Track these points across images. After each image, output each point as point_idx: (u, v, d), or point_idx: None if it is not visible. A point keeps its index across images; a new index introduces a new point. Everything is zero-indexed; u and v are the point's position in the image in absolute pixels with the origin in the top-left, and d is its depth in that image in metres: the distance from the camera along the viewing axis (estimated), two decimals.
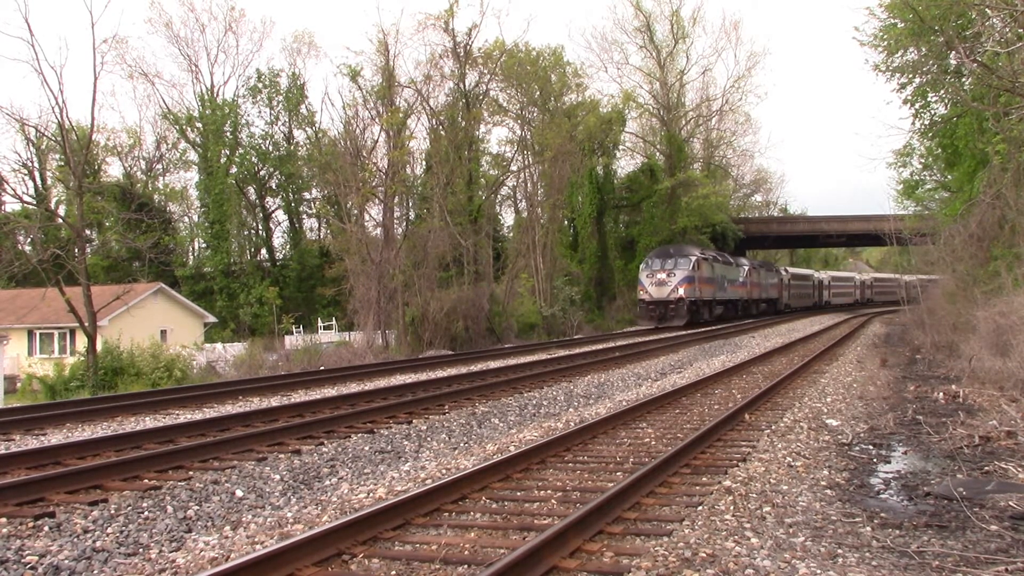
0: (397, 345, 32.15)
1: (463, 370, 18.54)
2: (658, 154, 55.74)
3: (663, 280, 36.79)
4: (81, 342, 29.65)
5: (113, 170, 56.74)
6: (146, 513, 6.64)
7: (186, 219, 59.11)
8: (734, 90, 58.34)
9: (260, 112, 54.66)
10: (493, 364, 20.20)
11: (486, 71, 44.72)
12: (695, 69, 57.54)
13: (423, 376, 17.40)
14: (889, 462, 8.18)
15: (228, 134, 52.62)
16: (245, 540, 5.95)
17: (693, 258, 37.39)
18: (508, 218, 54.86)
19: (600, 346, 26.07)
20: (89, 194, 33.17)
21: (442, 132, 42.71)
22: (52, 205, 48.29)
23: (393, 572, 5.17)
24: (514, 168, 47.57)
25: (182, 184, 59.14)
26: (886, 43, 21.43)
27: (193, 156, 55.77)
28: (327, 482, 7.85)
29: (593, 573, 5.08)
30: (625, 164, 56.97)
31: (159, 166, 59.27)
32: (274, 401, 13.65)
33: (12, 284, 41.07)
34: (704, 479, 7.42)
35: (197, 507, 6.84)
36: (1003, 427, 9.19)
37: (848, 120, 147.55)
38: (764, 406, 11.74)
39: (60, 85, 37.21)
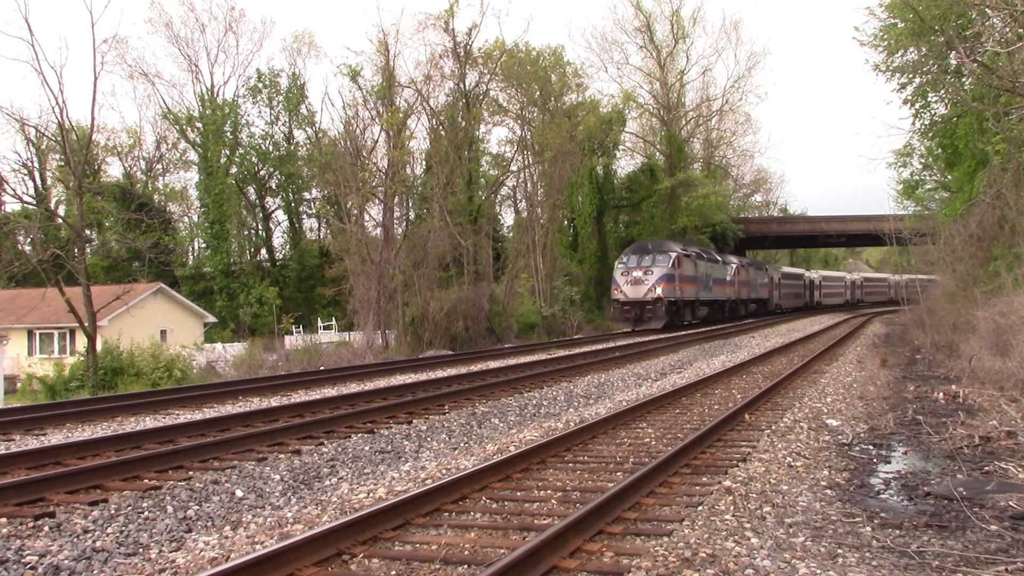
0: (397, 345, 32.14)
1: (463, 370, 18.54)
2: (658, 154, 55.76)
3: (639, 278, 33.86)
4: (81, 342, 29.64)
5: (113, 170, 56.81)
6: (146, 513, 6.64)
7: (186, 219, 59.15)
8: (734, 90, 58.47)
9: (260, 112, 54.71)
10: (493, 364, 20.20)
11: (486, 71, 44.72)
12: (695, 69, 57.67)
13: (423, 376, 17.40)
14: (889, 462, 8.18)
15: (228, 134, 52.60)
16: (245, 540, 5.95)
17: (673, 254, 34.60)
18: (508, 218, 54.91)
19: (600, 346, 26.07)
20: (89, 194, 33.16)
21: (442, 132, 42.70)
22: (52, 205, 48.29)
23: (393, 572, 5.17)
24: (514, 168, 47.59)
25: (182, 184, 59.21)
26: (886, 43, 21.44)
27: (193, 156, 55.79)
28: (327, 482, 7.84)
29: (593, 573, 5.08)
30: (625, 164, 57.06)
31: (159, 166, 59.30)
32: (274, 401, 13.65)
33: (12, 284, 41.06)
34: (704, 479, 7.42)
35: (197, 507, 6.84)
36: (1003, 427, 9.19)
37: (848, 120, 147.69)
38: (764, 406, 11.74)
39: (60, 85, 37.19)
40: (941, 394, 12.43)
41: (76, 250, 29.76)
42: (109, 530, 6.18)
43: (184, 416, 12.05)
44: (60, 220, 37.20)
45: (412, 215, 45.88)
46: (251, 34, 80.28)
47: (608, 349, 23.67)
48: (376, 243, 36.09)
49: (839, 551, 5.31)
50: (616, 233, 53.36)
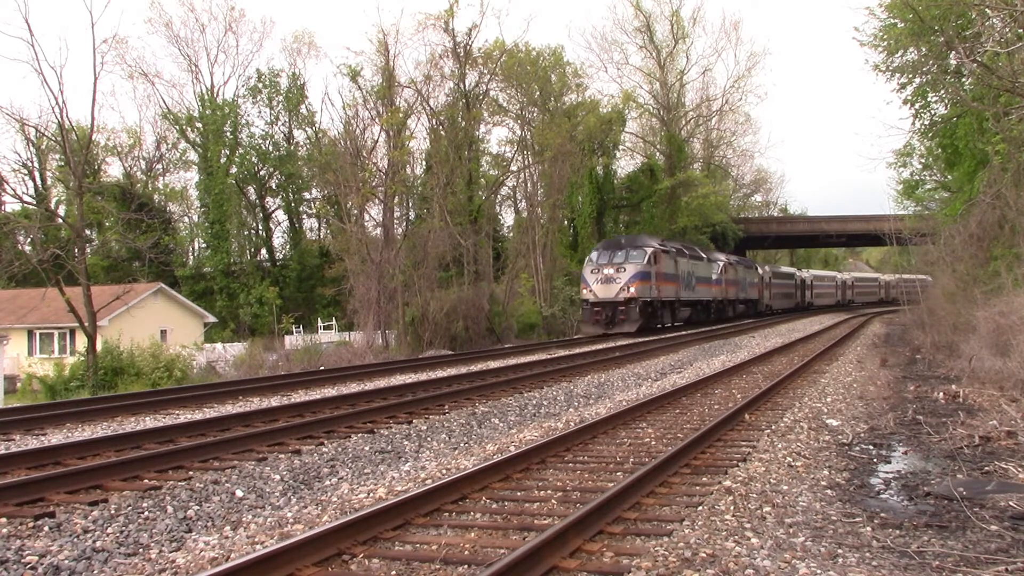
0: (397, 345, 32.16)
1: (463, 370, 18.54)
2: (658, 154, 55.77)
3: (611, 276, 30.45)
4: (81, 342, 29.65)
5: (113, 170, 56.87)
6: (146, 513, 6.63)
7: (186, 219, 59.22)
8: (734, 90, 58.50)
9: (260, 112, 54.79)
10: (493, 364, 20.20)
11: (486, 71, 44.74)
12: (695, 69, 57.70)
13: (423, 376, 17.40)
14: (889, 462, 8.18)
15: (228, 134, 52.64)
16: (245, 540, 5.95)
17: (649, 250, 31.30)
18: (508, 218, 54.95)
19: (600, 346, 26.07)
20: (89, 194, 33.18)
21: (442, 132, 42.72)
22: (52, 205, 48.35)
23: (393, 572, 5.17)
24: (514, 168, 47.62)
25: (182, 184, 59.29)
26: (886, 43, 21.45)
27: (193, 156, 55.85)
28: (327, 482, 7.84)
29: (593, 573, 5.08)
30: (625, 164, 57.09)
31: (159, 166, 59.36)
32: (274, 401, 13.64)
33: (12, 284, 41.08)
34: (704, 479, 7.41)
35: (197, 507, 6.84)
36: (1003, 427, 9.19)
37: (848, 120, 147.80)
38: (764, 406, 11.74)
39: (60, 85, 37.34)
40: (941, 394, 12.43)
41: (76, 250, 29.79)
42: (109, 530, 6.18)
43: (184, 416, 12.04)
44: (60, 220, 37.25)
45: (412, 215, 45.95)
46: (251, 34, 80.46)
47: (608, 349, 23.67)
48: (376, 243, 36.13)
49: (839, 551, 5.31)
50: (616, 233, 53.39)
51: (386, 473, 8.21)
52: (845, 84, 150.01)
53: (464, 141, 43.39)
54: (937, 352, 19.34)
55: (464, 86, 44.02)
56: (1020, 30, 14.12)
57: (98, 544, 5.86)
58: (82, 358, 27.20)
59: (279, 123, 54.96)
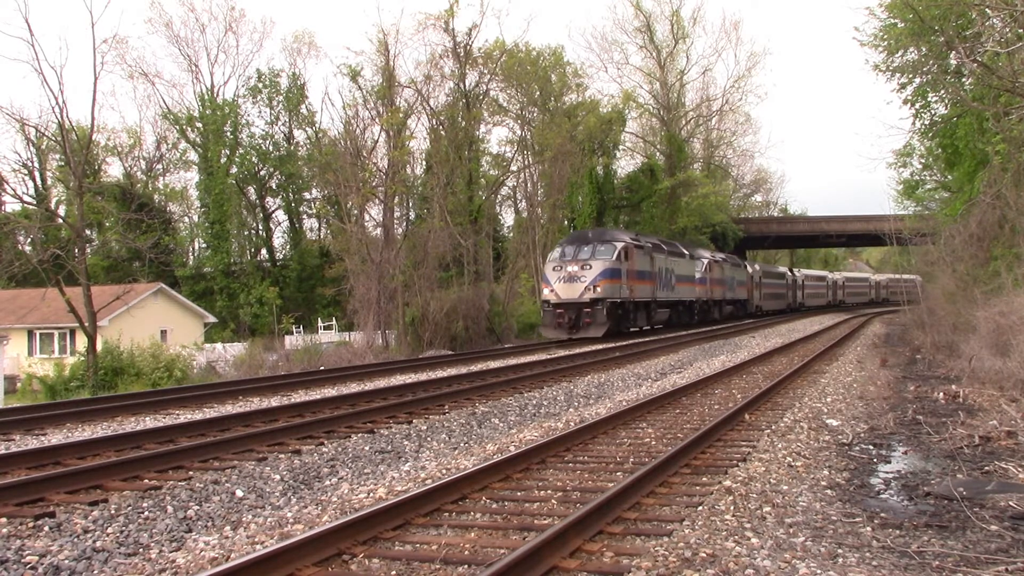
0: (397, 345, 32.16)
1: (463, 370, 18.54)
2: (658, 154, 55.77)
3: (575, 274, 27.15)
4: (81, 342, 29.66)
5: (113, 170, 56.88)
6: (146, 513, 6.63)
7: (186, 219, 59.24)
8: (734, 90, 58.52)
9: (260, 112, 54.81)
10: (493, 364, 20.20)
11: (486, 71, 44.76)
12: (695, 69, 57.72)
13: (423, 376, 17.40)
14: (889, 462, 8.18)
15: (228, 134, 52.65)
16: (245, 540, 5.95)
17: (619, 245, 28.08)
18: (508, 218, 54.95)
19: (600, 346, 26.07)
20: (89, 194, 33.20)
21: (442, 132, 42.74)
22: (52, 205, 48.36)
23: (393, 572, 5.17)
24: (514, 168, 47.65)
25: (182, 184, 59.32)
26: (886, 43, 21.47)
27: (193, 156, 55.87)
28: (327, 482, 7.84)
29: (593, 573, 5.08)
30: (625, 164, 57.10)
31: (159, 166, 59.36)
32: (274, 401, 13.64)
33: (12, 284, 41.08)
34: (704, 479, 7.41)
35: (197, 507, 6.84)
36: (1003, 427, 9.19)
37: (848, 120, 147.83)
38: (764, 406, 11.73)
39: (60, 85, 37.48)
40: (941, 394, 12.43)
41: (76, 250, 29.80)
42: (109, 530, 6.18)
43: (184, 416, 12.04)
44: (60, 220, 37.26)
45: (412, 215, 45.98)
46: (251, 34, 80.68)
47: (608, 349, 23.67)
48: (376, 243, 36.13)
49: (839, 551, 5.31)
50: None
51: (386, 473, 8.21)
52: (845, 84, 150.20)
53: (464, 141, 43.41)
54: (937, 352, 19.34)
55: (464, 86, 44.05)
56: (1020, 30, 14.12)
57: (98, 544, 5.86)
58: (82, 358, 27.20)
59: (279, 123, 55.04)
